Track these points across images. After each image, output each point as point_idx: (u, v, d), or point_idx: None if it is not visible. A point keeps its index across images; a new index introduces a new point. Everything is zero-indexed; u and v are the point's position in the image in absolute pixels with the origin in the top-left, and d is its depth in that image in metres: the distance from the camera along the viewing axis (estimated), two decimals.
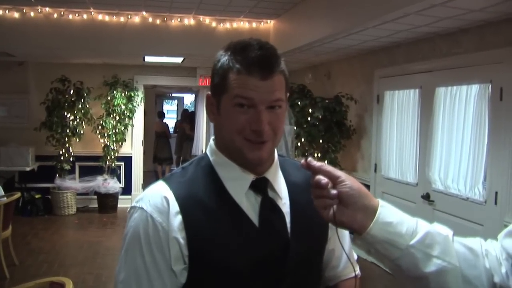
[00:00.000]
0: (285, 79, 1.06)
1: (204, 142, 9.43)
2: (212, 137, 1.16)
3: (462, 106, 3.81)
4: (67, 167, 7.19)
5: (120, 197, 7.54)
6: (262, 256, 1.04)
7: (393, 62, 4.85)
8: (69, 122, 7.04)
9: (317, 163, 0.92)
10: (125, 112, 7.52)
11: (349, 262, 1.24)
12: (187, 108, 13.43)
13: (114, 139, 7.44)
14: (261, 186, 1.09)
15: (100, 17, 5.70)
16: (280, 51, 1.06)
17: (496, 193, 3.46)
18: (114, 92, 7.43)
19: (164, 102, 14.75)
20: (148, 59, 6.93)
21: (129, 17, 5.74)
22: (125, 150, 7.80)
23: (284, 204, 1.12)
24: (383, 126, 5.05)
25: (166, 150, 10.34)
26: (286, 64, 1.08)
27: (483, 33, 3.62)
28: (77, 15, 5.64)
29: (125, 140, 7.66)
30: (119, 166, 7.77)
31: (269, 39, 5.83)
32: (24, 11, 5.52)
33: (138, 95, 7.78)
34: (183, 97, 14.53)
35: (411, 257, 0.87)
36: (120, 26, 5.76)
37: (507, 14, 3.26)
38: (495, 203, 3.47)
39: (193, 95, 12.92)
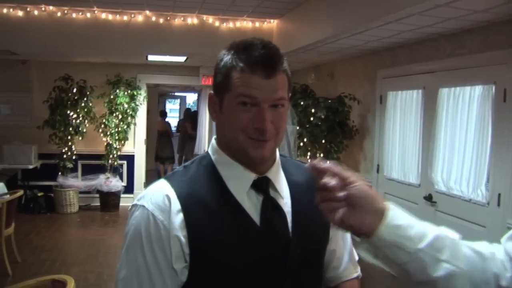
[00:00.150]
0: (288, 78, 1.07)
1: (206, 141, 9.43)
2: (214, 136, 1.16)
3: (466, 107, 3.80)
4: (70, 165, 7.21)
5: (122, 195, 7.56)
6: (263, 255, 1.04)
7: (396, 63, 4.84)
8: (72, 121, 7.05)
9: (324, 164, 0.88)
10: (128, 110, 7.54)
11: (350, 263, 1.25)
12: (189, 107, 13.43)
13: (117, 137, 7.46)
14: (263, 185, 1.09)
15: (103, 16, 5.70)
16: (283, 51, 1.07)
17: (499, 194, 3.45)
18: (117, 90, 7.44)
19: (167, 101, 14.75)
20: (151, 58, 6.94)
21: (132, 16, 5.75)
22: (127, 148, 7.81)
23: (286, 203, 1.12)
24: (385, 127, 5.04)
25: (168, 149, 10.36)
26: (289, 64, 1.08)
27: (487, 34, 3.61)
28: (80, 13, 5.65)
29: (127, 139, 7.67)
30: (121, 165, 7.79)
31: (272, 39, 5.83)
32: (28, 9, 5.53)
33: (140, 94, 7.79)
34: (185, 96, 14.54)
35: (419, 261, 0.85)
36: (123, 25, 5.77)
37: (511, 15, 3.25)
38: (498, 204, 3.45)
39: (196, 94, 12.92)
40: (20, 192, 4.93)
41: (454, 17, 3.34)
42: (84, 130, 7.28)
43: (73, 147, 7.24)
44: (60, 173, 7.19)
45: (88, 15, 5.67)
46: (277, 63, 1.02)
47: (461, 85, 3.85)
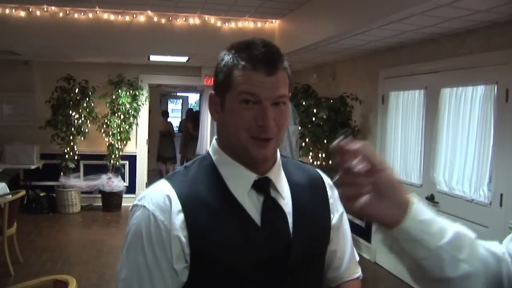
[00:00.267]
0: (288, 77, 1.07)
1: (208, 141, 9.43)
2: (215, 137, 1.16)
3: (468, 107, 3.79)
4: (72, 165, 7.22)
5: (124, 195, 7.57)
6: (264, 255, 1.04)
7: (398, 63, 4.84)
8: (74, 121, 7.06)
9: (354, 146, 0.80)
10: (130, 111, 7.54)
11: (351, 263, 1.24)
12: (191, 107, 13.44)
13: (119, 137, 7.46)
14: (264, 186, 1.09)
15: (105, 16, 5.71)
16: (285, 51, 1.07)
17: (502, 195, 3.44)
18: (119, 91, 7.45)
19: (169, 101, 14.78)
20: (153, 58, 6.94)
21: (134, 16, 5.75)
22: (129, 148, 7.82)
23: (286, 204, 1.11)
24: (387, 127, 5.04)
25: (170, 149, 10.36)
26: (289, 64, 1.09)
27: (489, 34, 3.60)
28: (82, 14, 5.65)
29: (129, 139, 7.68)
30: (123, 165, 7.79)
31: (274, 39, 5.82)
32: (30, 10, 5.54)
33: (143, 94, 7.80)
34: (188, 96, 14.55)
35: (438, 258, 0.81)
36: (125, 25, 5.77)
37: None
38: (500, 205, 3.45)
39: (198, 95, 12.93)
40: (22, 192, 4.93)
41: (456, 17, 3.33)
42: (86, 130, 7.29)
43: (75, 147, 7.25)
44: (62, 173, 7.20)
45: (90, 15, 5.68)
46: (278, 60, 1.03)
47: (463, 85, 3.85)
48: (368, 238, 5.39)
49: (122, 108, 7.43)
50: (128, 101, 7.47)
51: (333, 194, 1.22)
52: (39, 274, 4.27)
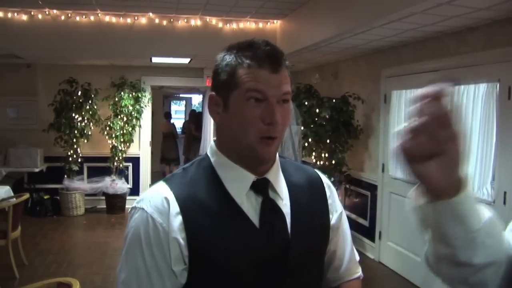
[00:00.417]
0: (290, 76, 1.08)
1: (211, 142, 9.41)
2: (214, 138, 1.16)
3: (470, 105, 3.78)
4: (75, 168, 7.24)
5: (128, 197, 7.56)
6: (263, 257, 1.04)
7: (400, 62, 4.83)
8: (77, 123, 7.08)
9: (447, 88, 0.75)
10: (133, 113, 7.55)
11: (351, 263, 1.24)
12: (195, 108, 13.45)
13: (122, 140, 7.47)
14: (262, 187, 1.09)
15: (107, 18, 5.72)
16: (286, 51, 1.08)
17: (505, 193, 3.43)
18: (122, 93, 7.45)
19: (172, 103, 14.77)
20: (155, 60, 6.95)
21: (136, 18, 5.76)
22: (132, 150, 7.83)
23: (285, 205, 1.11)
24: (390, 126, 5.02)
25: (173, 151, 10.37)
26: (292, 64, 1.09)
27: (491, 32, 3.59)
28: (84, 17, 5.67)
29: (132, 141, 7.68)
30: (127, 167, 7.80)
31: (275, 39, 5.83)
32: (32, 13, 5.56)
33: (145, 96, 7.81)
34: (191, 98, 14.55)
35: (471, 242, 0.77)
36: (127, 27, 5.79)
37: None
38: (504, 203, 3.43)
39: (201, 96, 12.93)
40: (26, 195, 4.95)
41: (457, 15, 3.32)
42: (89, 133, 7.31)
43: (78, 149, 7.26)
44: (66, 176, 7.22)
45: (92, 18, 5.69)
46: (281, 58, 1.04)
47: (465, 83, 3.83)
48: (372, 237, 5.38)
49: (125, 110, 7.44)
50: (131, 103, 7.48)
51: (331, 194, 1.22)
52: (43, 276, 4.29)
